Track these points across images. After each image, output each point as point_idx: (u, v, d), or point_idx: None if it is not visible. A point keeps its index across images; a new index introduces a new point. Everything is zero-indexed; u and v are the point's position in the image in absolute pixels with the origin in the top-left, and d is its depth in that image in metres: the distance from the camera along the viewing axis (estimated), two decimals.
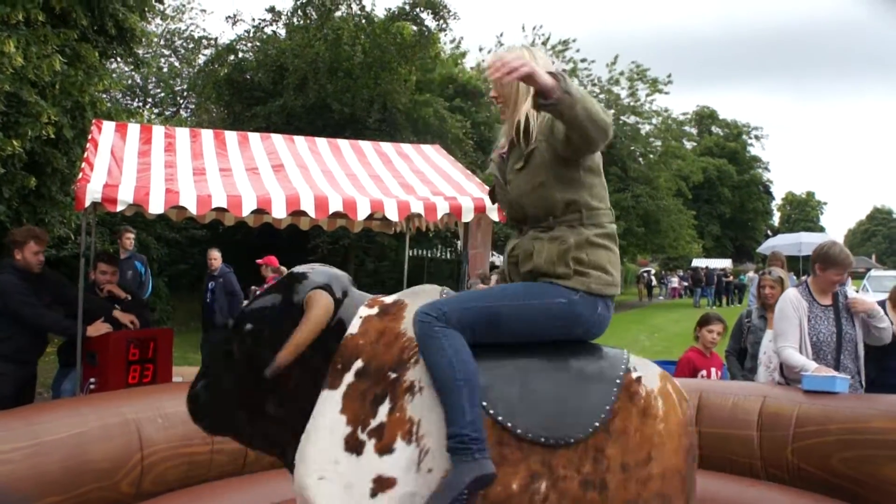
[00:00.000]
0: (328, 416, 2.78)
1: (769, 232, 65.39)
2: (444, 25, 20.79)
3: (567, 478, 2.62)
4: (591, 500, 2.62)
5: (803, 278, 5.76)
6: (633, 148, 35.04)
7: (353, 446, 2.72)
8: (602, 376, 2.78)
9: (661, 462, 2.69)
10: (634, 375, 2.80)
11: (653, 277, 44.80)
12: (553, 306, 2.78)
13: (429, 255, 25.76)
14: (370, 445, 2.70)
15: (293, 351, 2.78)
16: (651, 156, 36.10)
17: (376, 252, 24.40)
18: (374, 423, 2.73)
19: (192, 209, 5.90)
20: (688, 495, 2.77)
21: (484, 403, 2.68)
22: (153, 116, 27.70)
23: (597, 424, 2.67)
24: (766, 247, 17.89)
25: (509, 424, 2.67)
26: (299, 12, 21.02)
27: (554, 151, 2.80)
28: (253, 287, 10.89)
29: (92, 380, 5.80)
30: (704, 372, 5.79)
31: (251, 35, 21.43)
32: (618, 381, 2.77)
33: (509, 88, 2.86)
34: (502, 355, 2.82)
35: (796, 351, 4.99)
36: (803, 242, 17.53)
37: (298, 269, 3.11)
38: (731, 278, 40.33)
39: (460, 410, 2.59)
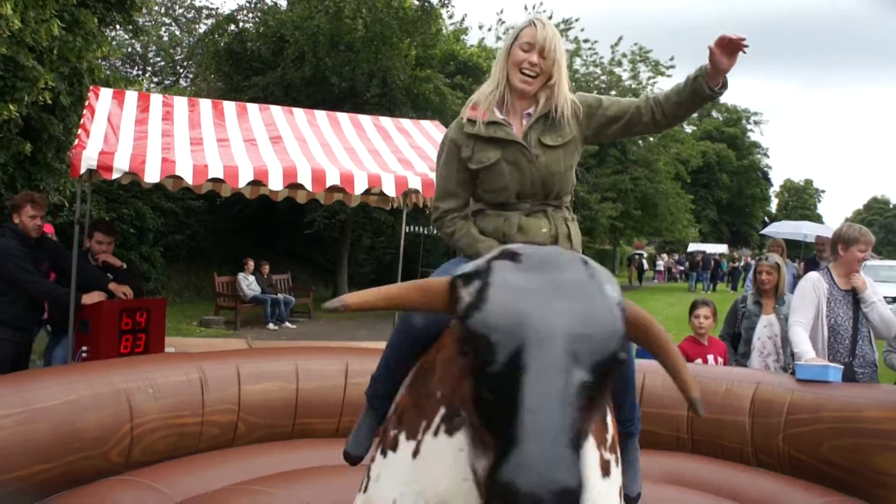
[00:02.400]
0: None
1: (766, 219, 65.38)
2: (446, 1, 20.65)
3: None
4: None
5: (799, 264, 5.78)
6: None
7: (606, 470, 2.33)
8: None
9: None
10: None
11: (644, 261, 44.59)
12: None
13: (425, 231, 25.70)
14: (613, 461, 2.38)
15: None
16: (650, 139, 36.00)
17: (373, 227, 24.34)
18: (608, 436, 2.39)
19: (189, 179, 5.88)
20: None
21: None
22: (152, 85, 27.57)
23: None
24: (771, 231, 17.88)
25: None
26: None
27: (584, 137, 2.93)
28: None
29: (84, 348, 5.79)
30: (700, 360, 5.75)
31: (252, 5, 21.28)
32: None
33: (552, 63, 2.79)
34: None
35: (805, 330, 5.02)
36: (806, 233, 17.57)
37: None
38: (735, 264, 40.37)
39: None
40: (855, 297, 5.17)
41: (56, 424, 3.65)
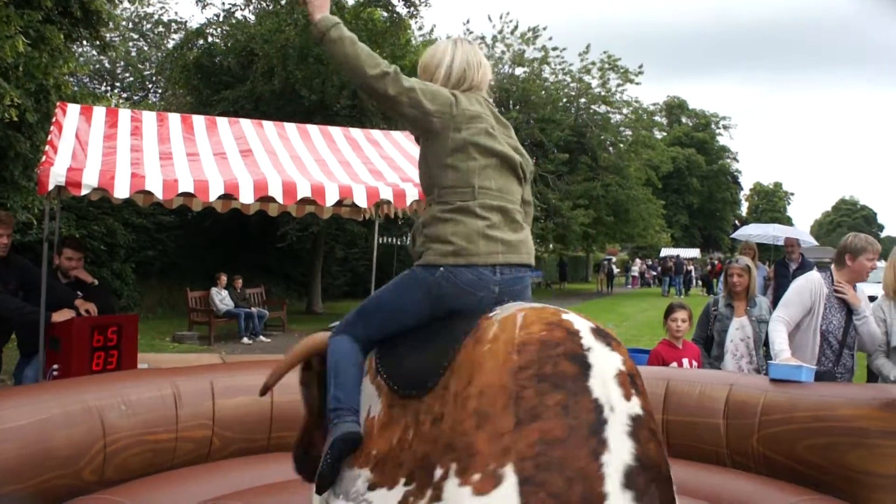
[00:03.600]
0: None
1: (737, 222, 65.98)
2: (414, 12, 20.71)
3: (424, 422, 2.63)
4: (434, 435, 2.54)
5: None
6: (603, 137, 35.14)
7: None
8: (462, 324, 2.77)
9: (479, 381, 2.47)
10: (490, 314, 2.73)
11: (613, 266, 44.50)
12: (400, 282, 3.03)
13: (398, 242, 25.70)
14: None
15: None
16: (621, 145, 36.25)
17: (346, 239, 24.31)
18: None
19: (159, 194, 5.84)
20: (518, 412, 2.36)
21: (382, 373, 2.98)
22: (121, 101, 27.39)
23: (446, 364, 2.67)
24: (741, 234, 18.08)
25: (393, 385, 2.87)
26: None
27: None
28: None
29: (55, 366, 5.71)
30: (675, 364, 5.78)
31: (220, 20, 21.22)
32: (474, 323, 2.72)
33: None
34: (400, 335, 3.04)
35: (787, 328, 5.09)
36: (776, 235, 17.74)
37: None
38: (709, 268, 40.63)
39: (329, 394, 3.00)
40: (849, 307, 5.23)
41: (27, 444, 3.60)
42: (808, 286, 5.27)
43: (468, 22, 45.75)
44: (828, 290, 5.25)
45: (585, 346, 2.44)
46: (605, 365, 2.42)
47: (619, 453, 2.25)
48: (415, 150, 8.05)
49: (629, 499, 2.20)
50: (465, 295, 2.91)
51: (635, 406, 2.37)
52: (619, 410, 2.33)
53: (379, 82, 2.88)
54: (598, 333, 2.51)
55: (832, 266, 5.42)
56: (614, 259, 47.91)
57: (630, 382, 2.42)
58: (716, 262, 42.40)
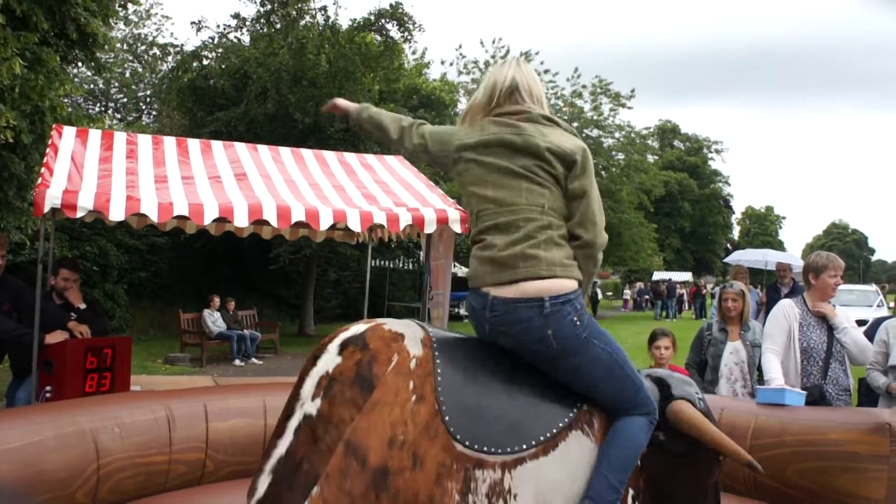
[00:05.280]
0: None
1: (729, 246, 66.17)
2: (408, 37, 20.80)
3: None
4: None
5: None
6: (595, 161, 35.16)
7: None
8: None
9: None
10: None
11: (598, 290, 44.10)
12: None
13: (391, 265, 25.74)
14: None
15: None
16: (613, 169, 36.35)
17: (338, 262, 24.30)
18: None
19: (154, 217, 5.86)
20: None
21: None
22: (115, 122, 27.43)
23: None
24: (733, 259, 18.16)
25: None
26: (262, 20, 20.89)
27: None
28: None
29: (48, 388, 5.70)
30: None
31: (215, 42, 21.29)
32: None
33: None
34: None
35: (777, 357, 5.17)
36: (769, 260, 17.84)
37: None
38: (703, 291, 40.63)
39: None
40: (829, 323, 5.31)
41: (20, 466, 3.60)
42: (780, 312, 5.43)
43: (461, 47, 46.11)
44: (800, 310, 5.37)
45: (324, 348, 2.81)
46: (320, 366, 2.74)
47: (283, 442, 2.69)
48: (408, 175, 8.12)
49: (266, 482, 2.65)
50: (474, 321, 2.94)
51: (313, 407, 2.66)
52: (305, 406, 2.69)
53: (402, 143, 3.21)
54: (346, 342, 2.76)
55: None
56: (599, 283, 47.59)
57: (327, 385, 2.67)
58: (692, 286, 42.67)
